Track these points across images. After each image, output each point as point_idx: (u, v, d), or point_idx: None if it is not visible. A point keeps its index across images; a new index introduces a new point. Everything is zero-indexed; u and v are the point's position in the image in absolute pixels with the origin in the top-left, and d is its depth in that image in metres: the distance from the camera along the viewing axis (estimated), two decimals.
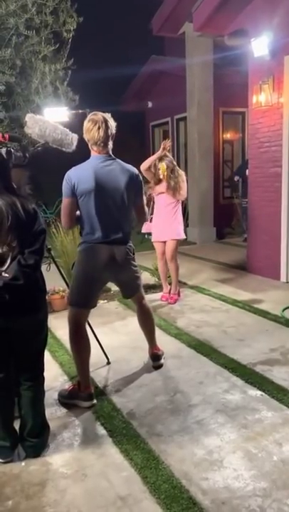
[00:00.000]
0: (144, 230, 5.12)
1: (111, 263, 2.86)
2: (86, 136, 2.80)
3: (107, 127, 2.76)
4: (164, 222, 4.84)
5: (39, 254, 2.14)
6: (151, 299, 4.98)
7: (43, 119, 2.84)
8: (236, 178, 8.36)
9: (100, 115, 2.78)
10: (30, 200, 2.24)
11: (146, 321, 3.29)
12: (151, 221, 4.98)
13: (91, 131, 2.75)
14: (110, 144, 2.84)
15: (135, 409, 2.77)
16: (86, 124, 2.79)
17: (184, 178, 4.89)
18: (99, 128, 2.74)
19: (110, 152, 2.86)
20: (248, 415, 2.65)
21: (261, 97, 5.57)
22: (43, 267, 3.08)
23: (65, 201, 2.80)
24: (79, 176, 2.76)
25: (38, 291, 2.26)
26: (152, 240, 5.03)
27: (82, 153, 2.90)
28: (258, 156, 5.89)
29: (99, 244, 2.82)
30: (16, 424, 2.36)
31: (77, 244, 2.97)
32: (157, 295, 5.14)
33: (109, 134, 2.78)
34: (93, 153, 2.83)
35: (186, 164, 9.37)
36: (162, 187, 4.79)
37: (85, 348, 2.87)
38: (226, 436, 2.47)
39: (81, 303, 2.89)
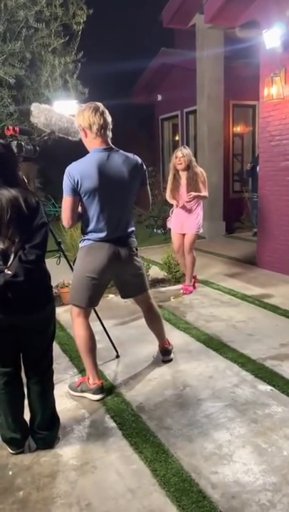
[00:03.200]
0: (169, 225, 5.18)
1: (115, 261, 2.76)
2: (86, 123, 2.61)
3: (106, 113, 2.65)
4: (185, 215, 4.89)
5: (40, 248, 2.08)
6: (160, 291, 5.00)
7: (49, 108, 2.82)
8: (249, 165, 8.32)
9: (97, 103, 2.65)
10: (38, 195, 2.21)
11: (156, 323, 3.22)
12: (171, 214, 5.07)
13: (94, 117, 2.58)
14: (110, 133, 2.70)
15: (144, 402, 2.78)
16: (86, 112, 2.61)
17: (203, 177, 4.87)
18: (102, 113, 2.61)
19: (110, 142, 2.71)
20: (258, 410, 2.65)
21: (273, 90, 5.50)
22: (53, 261, 3.09)
23: (67, 200, 2.63)
24: (82, 173, 2.59)
25: (43, 287, 2.23)
26: (172, 232, 5.10)
27: None
28: (268, 150, 5.84)
29: (103, 243, 2.73)
30: (27, 416, 2.38)
31: (81, 240, 2.84)
32: (166, 289, 5.14)
33: (110, 121, 2.67)
34: (93, 145, 2.67)
35: (195, 158, 9.30)
36: (183, 190, 4.84)
37: (90, 342, 2.84)
38: (236, 430, 2.47)
39: (83, 303, 2.80)
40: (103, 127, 2.64)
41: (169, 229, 5.27)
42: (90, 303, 2.83)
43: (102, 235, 2.72)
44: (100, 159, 2.64)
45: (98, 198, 2.64)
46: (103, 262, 2.74)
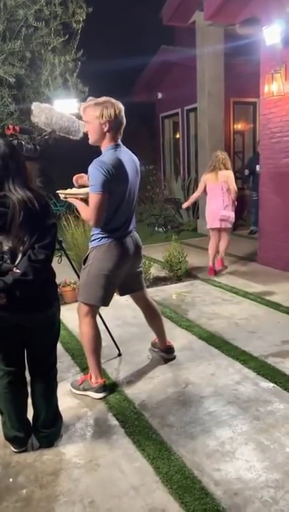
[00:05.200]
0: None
1: (131, 257, 2.82)
2: (116, 118, 2.60)
3: None
4: None
5: (50, 248, 2.10)
6: (161, 289, 5.01)
7: (49, 107, 2.81)
8: (246, 171, 8.28)
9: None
10: (42, 194, 2.22)
11: (156, 319, 3.22)
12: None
13: (122, 115, 2.62)
14: None
15: (147, 400, 2.79)
16: (117, 107, 2.60)
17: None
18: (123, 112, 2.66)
19: None
20: (260, 407, 2.65)
21: (273, 87, 5.48)
22: (55, 259, 3.09)
23: (99, 196, 2.52)
24: (115, 167, 2.56)
25: (49, 287, 2.24)
26: None
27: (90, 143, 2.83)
28: (269, 147, 5.83)
29: (121, 239, 2.75)
30: (30, 415, 2.38)
31: (96, 239, 2.75)
32: (168, 287, 5.15)
33: None
34: (111, 141, 2.65)
35: (196, 156, 9.30)
36: None
37: (96, 341, 2.85)
38: (238, 427, 2.47)
39: (99, 301, 2.80)
40: (121, 127, 2.69)
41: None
42: (105, 301, 2.84)
43: (121, 231, 2.74)
44: (121, 155, 2.64)
45: (122, 194, 2.65)
46: (123, 258, 2.76)
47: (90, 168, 2.58)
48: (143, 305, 3.16)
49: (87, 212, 2.64)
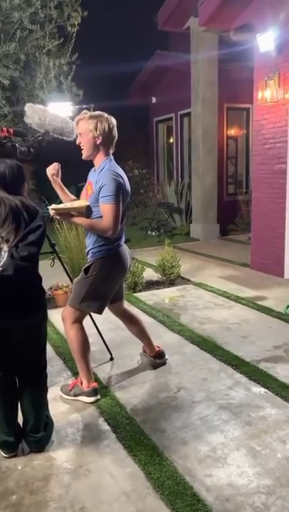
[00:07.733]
0: None
1: (130, 262, 2.92)
2: (110, 132, 2.65)
3: None
4: None
5: (33, 246, 2.09)
6: (154, 294, 5.00)
7: (43, 108, 2.81)
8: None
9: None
10: (32, 202, 2.22)
11: (140, 325, 3.22)
12: None
13: (112, 130, 2.67)
14: None
15: (139, 405, 2.77)
16: (112, 122, 2.67)
17: None
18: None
19: None
20: (252, 412, 2.65)
21: (266, 93, 5.53)
22: (48, 263, 3.07)
23: (117, 206, 2.57)
24: (123, 177, 2.67)
25: (36, 291, 2.24)
26: None
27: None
28: (262, 153, 5.86)
29: (123, 248, 2.82)
30: (20, 419, 2.36)
31: (101, 250, 2.70)
32: (160, 291, 5.14)
33: None
34: (105, 156, 2.70)
35: (189, 160, 9.33)
36: None
37: (87, 345, 2.84)
38: (230, 433, 2.46)
39: (100, 310, 2.82)
40: (114, 141, 2.74)
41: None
42: (102, 310, 2.86)
43: (123, 240, 2.82)
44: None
45: (126, 203, 2.72)
46: (125, 267, 2.85)
47: (104, 179, 2.58)
48: (122, 314, 3.17)
49: (98, 224, 2.63)
